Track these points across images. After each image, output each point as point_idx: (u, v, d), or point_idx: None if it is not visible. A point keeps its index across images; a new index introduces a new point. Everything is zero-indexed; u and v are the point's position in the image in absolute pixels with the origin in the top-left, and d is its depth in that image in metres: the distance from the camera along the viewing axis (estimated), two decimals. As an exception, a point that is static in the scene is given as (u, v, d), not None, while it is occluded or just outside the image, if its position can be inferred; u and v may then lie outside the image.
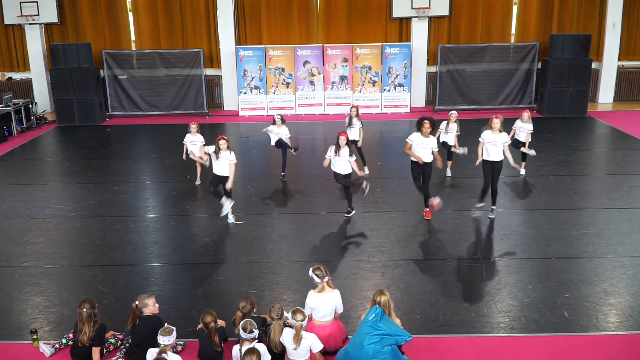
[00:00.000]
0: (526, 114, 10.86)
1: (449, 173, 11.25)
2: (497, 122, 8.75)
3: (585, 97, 16.53)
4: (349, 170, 8.99)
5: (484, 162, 8.86)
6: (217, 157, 8.74)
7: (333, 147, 8.91)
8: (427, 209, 9.15)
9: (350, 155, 8.89)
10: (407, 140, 8.88)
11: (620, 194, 10.15)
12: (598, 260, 7.68)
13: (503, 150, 8.77)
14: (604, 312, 6.46)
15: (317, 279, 5.74)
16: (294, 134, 14.73)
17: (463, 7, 17.44)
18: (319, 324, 5.70)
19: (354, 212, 9.30)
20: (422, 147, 8.77)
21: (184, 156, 10.81)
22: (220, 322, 5.91)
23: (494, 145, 8.73)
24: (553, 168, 11.66)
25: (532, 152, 11.03)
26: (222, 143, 8.74)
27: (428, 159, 8.84)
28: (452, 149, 10.99)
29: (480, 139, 8.87)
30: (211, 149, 8.81)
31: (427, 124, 8.68)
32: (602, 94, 18.08)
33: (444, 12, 17.20)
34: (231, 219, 9.14)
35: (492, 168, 8.83)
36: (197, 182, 10.96)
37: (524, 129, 10.86)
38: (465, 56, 17.21)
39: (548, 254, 7.89)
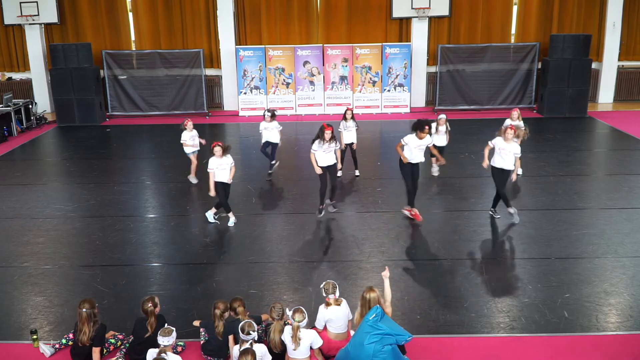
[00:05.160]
0: (515, 113, 10.84)
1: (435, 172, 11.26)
2: (511, 133, 8.66)
3: (585, 97, 16.52)
4: (334, 161, 9.02)
5: (494, 169, 8.83)
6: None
7: (317, 141, 8.85)
8: (414, 212, 9.12)
9: (336, 144, 8.99)
10: (401, 140, 8.78)
11: (620, 194, 10.15)
12: (598, 260, 7.68)
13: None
14: (604, 312, 6.46)
15: (323, 293, 5.77)
16: (294, 135, 14.79)
17: (463, 7, 17.44)
18: (335, 338, 5.70)
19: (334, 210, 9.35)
20: (419, 149, 8.76)
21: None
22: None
23: (504, 153, 8.70)
24: (553, 168, 11.66)
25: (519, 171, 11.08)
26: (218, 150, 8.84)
27: (420, 159, 8.85)
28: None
29: (490, 143, 8.85)
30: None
31: (427, 130, 8.66)
32: (602, 94, 18.08)
33: (444, 12, 17.20)
34: (231, 221, 9.18)
35: (503, 175, 8.81)
36: (195, 181, 11.02)
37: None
38: (465, 56, 17.20)
39: (548, 254, 7.89)
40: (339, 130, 11.15)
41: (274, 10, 17.56)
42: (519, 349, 5.85)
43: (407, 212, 9.18)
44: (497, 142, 8.79)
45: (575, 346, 5.85)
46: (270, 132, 11.07)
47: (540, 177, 11.13)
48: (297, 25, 17.71)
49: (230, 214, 9.14)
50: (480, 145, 13.10)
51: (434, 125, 10.99)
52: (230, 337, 5.69)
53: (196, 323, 6.14)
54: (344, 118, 11.03)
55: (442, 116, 11.01)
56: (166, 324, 5.58)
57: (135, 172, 12.14)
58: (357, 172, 11.39)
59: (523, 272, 7.42)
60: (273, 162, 11.33)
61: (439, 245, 8.30)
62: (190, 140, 10.80)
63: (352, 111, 11.19)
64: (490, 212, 9.21)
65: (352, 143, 11.08)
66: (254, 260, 7.91)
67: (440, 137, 10.93)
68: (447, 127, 10.98)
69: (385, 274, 5.80)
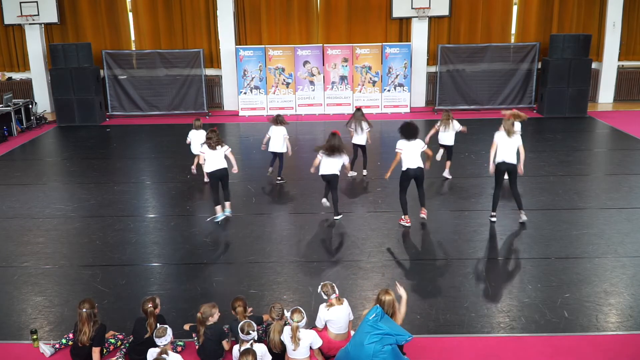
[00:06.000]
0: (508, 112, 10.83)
1: (447, 175, 11.17)
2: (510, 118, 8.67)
3: (585, 97, 16.52)
4: (337, 171, 8.98)
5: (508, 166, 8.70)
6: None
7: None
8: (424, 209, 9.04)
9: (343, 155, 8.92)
10: (397, 151, 8.65)
11: (620, 194, 10.15)
12: (598, 260, 7.68)
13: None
14: (604, 312, 6.46)
15: (324, 296, 5.75)
16: (294, 135, 14.77)
17: (463, 7, 17.44)
18: (336, 339, 5.69)
19: (341, 216, 9.28)
20: (413, 151, 8.64)
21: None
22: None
23: (508, 147, 8.62)
24: (553, 168, 11.67)
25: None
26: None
27: (418, 163, 8.67)
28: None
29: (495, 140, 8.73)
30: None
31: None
32: (602, 94, 18.08)
33: (444, 12, 17.21)
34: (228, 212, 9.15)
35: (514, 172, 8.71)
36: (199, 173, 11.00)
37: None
38: (465, 56, 17.21)
39: (548, 254, 7.89)
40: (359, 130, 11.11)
41: (274, 10, 17.56)
42: (519, 349, 5.84)
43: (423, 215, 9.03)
44: (498, 137, 8.65)
45: (575, 346, 5.85)
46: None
47: (540, 177, 11.13)
48: (297, 25, 17.72)
49: (218, 208, 9.10)
50: (480, 145, 13.17)
51: (440, 122, 10.82)
52: (224, 342, 5.70)
53: (186, 327, 6.09)
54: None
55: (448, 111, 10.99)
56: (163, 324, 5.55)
57: (135, 172, 12.14)
58: (364, 172, 11.41)
59: (523, 272, 7.42)
60: (279, 178, 11.07)
61: (439, 246, 8.30)
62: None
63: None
64: (494, 219, 9.07)
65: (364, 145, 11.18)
66: (254, 260, 7.91)
67: (450, 134, 10.81)
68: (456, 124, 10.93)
69: (403, 294, 5.61)
